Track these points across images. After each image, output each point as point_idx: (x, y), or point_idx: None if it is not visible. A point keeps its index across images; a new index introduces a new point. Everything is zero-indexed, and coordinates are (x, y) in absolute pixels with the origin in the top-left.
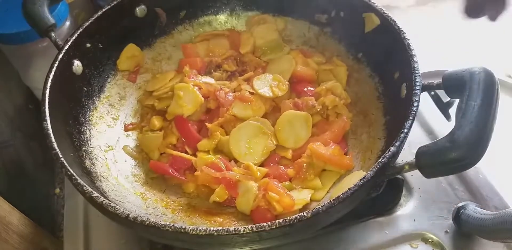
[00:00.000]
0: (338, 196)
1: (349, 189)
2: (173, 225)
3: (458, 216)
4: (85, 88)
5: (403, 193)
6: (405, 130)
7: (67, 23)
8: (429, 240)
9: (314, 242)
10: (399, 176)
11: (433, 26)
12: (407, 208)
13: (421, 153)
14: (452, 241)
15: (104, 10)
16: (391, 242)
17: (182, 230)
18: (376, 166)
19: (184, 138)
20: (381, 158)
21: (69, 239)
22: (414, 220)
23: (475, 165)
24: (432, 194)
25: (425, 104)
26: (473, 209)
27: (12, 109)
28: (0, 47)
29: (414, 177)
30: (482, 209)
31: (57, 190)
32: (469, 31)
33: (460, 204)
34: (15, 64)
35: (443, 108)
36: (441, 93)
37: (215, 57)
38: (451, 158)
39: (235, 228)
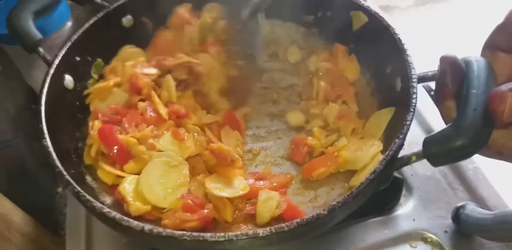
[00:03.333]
0: (351, 191)
1: (361, 183)
2: (190, 233)
3: (457, 215)
4: (77, 102)
5: (403, 192)
6: (408, 122)
7: (69, 24)
8: (429, 240)
9: (314, 242)
10: (399, 176)
11: (432, 26)
12: (406, 208)
13: (428, 142)
14: (452, 240)
15: (91, 22)
16: (390, 242)
17: (201, 238)
18: (385, 159)
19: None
20: (388, 150)
21: (71, 238)
22: (414, 219)
23: (475, 165)
24: (432, 193)
25: (423, 103)
26: (472, 209)
27: (14, 109)
28: (3, 47)
29: (414, 176)
30: (481, 209)
31: (59, 189)
32: (468, 31)
33: (459, 204)
34: (18, 65)
35: None
36: None
37: None
38: (458, 145)
39: (253, 232)
